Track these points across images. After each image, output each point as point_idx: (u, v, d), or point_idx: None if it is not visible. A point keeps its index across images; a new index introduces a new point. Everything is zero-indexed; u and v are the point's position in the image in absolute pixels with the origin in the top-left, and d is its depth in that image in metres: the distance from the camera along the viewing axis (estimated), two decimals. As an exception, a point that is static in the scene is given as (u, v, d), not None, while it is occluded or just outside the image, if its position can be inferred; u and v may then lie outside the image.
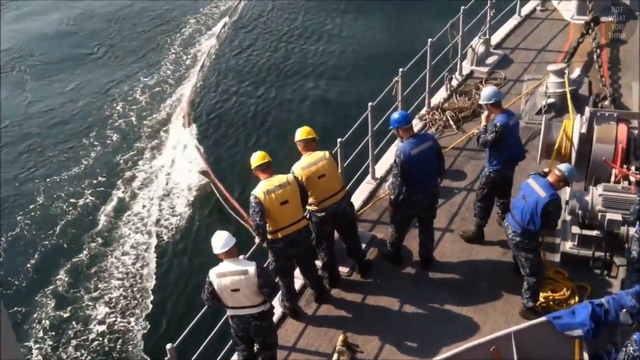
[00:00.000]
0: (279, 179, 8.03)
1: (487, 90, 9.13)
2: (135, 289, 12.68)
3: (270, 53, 20.27)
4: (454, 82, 13.15)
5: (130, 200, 14.93)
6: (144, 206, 14.69)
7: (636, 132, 9.25)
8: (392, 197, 8.69)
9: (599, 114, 9.25)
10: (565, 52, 13.55)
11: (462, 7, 12.82)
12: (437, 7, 20.54)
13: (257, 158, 8.14)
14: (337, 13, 22.21)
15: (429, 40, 11.93)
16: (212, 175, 14.53)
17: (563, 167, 7.89)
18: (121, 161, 16.19)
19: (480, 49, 13.52)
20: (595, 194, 8.57)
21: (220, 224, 13.08)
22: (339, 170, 9.39)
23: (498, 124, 8.75)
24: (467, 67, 13.59)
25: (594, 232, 8.72)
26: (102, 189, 15.33)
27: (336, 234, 8.91)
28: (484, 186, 9.18)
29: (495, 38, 14.42)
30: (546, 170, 8.28)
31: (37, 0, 25.67)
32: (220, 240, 7.14)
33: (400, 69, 11.15)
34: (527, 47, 14.12)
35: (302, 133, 8.62)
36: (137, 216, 14.43)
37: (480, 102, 9.30)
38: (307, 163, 8.42)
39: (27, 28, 23.59)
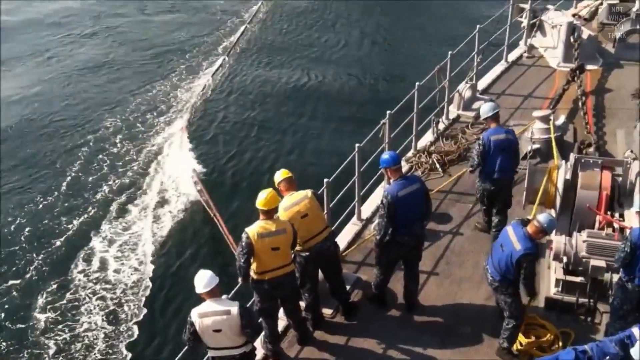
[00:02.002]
0: (277, 224, 7.89)
1: (485, 106, 9.99)
2: (114, 325, 12.52)
3: (263, 96, 20.42)
4: (441, 126, 13.25)
5: (120, 224, 15.05)
6: (134, 232, 14.79)
7: (620, 179, 9.34)
8: (378, 238, 8.66)
9: (583, 160, 9.35)
10: (551, 99, 13.74)
11: (450, 52, 13.00)
12: (425, 51, 20.90)
13: (262, 200, 7.86)
14: (328, 57, 22.47)
15: (417, 83, 12.07)
16: (211, 204, 14.57)
17: (542, 218, 7.84)
18: (115, 182, 16.44)
19: (467, 93, 13.68)
20: (580, 240, 8.60)
21: (211, 255, 13.37)
22: (325, 211, 9.38)
23: (483, 137, 9.71)
24: (453, 111, 13.73)
25: (578, 278, 8.73)
26: (93, 208, 15.51)
27: (320, 275, 8.86)
28: (480, 198, 10.13)
29: (482, 83, 14.60)
30: (529, 217, 8.32)
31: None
32: (203, 280, 7.06)
33: (388, 111, 11.25)
34: (514, 93, 14.30)
35: (282, 174, 8.61)
36: (127, 241, 14.53)
37: (482, 118, 10.22)
38: (289, 203, 8.37)
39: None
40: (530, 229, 7.82)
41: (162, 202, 15.76)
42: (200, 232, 14.75)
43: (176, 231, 14.87)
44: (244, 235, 7.83)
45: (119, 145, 18.09)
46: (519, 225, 7.93)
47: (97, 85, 21.54)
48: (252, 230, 7.82)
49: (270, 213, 7.92)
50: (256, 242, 7.75)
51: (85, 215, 15.34)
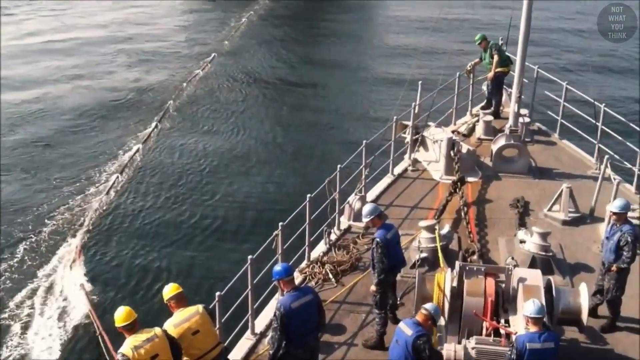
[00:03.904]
0: (147, 332, 7.71)
1: (366, 208, 10.38)
2: None
3: (158, 211, 20.05)
4: (333, 237, 13.46)
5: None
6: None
7: (503, 285, 9.72)
8: (272, 352, 8.52)
9: (467, 268, 9.69)
10: (436, 209, 14.28)
11: (339, 166, 13.42)
12: (315, 165, 21.47)
13: (121, 316, 7.79)
14: (218, 171, 22.55)
15: (308, 195, 12.32)
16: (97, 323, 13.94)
17: (428, 306, 8.31)
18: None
19: (357, 204, 14.00)
20: (469, 347, 8.78)
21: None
22: (217, 326, 9.15)
23: (378, 239, 9.98)
24: (344, 222, 14.00)
25: (470, 385, 8.83)
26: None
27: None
28: (382, 299, 10.12)
29: (371, 195, 15.00)
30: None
31: None
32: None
33: (280, 223, 11.35)
34: (401, 204, 14.75)
35: (171, 289, 8.41)
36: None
37: (363, 219, 10.47)
38: (179, 319, 8.15)
39: None
40: (419, 317, 8.19)
41: (49, 319, 15.07)
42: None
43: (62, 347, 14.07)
44: (118, 357, 7.58)
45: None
46: (409, 319, 8.31)
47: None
48: (125, 348, 7.61)
49: (135, 327, 7.79)
50: (133, 357, 7.49)
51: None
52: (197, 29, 40.49)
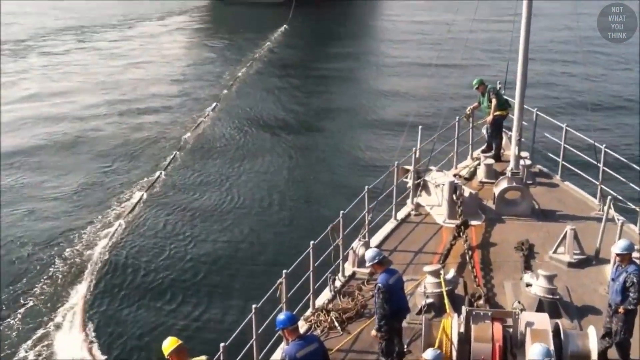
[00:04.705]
0: None
1: (368, 254, 10.63)
2: None
3: (160, 262, 20.00)
4: (338, 283, 13.38)
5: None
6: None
7: (511, 330, 9.62)
8: (278, 404, 8.40)
9: (474, 313, 9.61)
10: (440, 254, 14.21)
11: (342, 212, 13.42)
12: (317, 212, 21.48)
13: None
14: (219, 220, 22.57)
15: (312, 242, 12.28)
16: None
17: (428, 355, 8.25)
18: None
19: (361, 250, 13.95)
20: (479, 394, 8.66)
21: None
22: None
23: (380, 284, 10.12)
24: (349, 268, 13.93)
25: None
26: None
27: None
28: (381, 342, 10.26)
29: (375, 240, 14.94)
30: None
31: None
32: None
33: (284, 271, 11.31)
34: (405, 249, 14.67)
35: (170, 343, 8.36)
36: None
37: (367, 264, 10.56)
38: (184, 372, 8.08)
39: None
40: None
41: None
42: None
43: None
44: None
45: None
46: None
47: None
48: None
49: None
50: None
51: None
52: (195, 83, 40.51)
